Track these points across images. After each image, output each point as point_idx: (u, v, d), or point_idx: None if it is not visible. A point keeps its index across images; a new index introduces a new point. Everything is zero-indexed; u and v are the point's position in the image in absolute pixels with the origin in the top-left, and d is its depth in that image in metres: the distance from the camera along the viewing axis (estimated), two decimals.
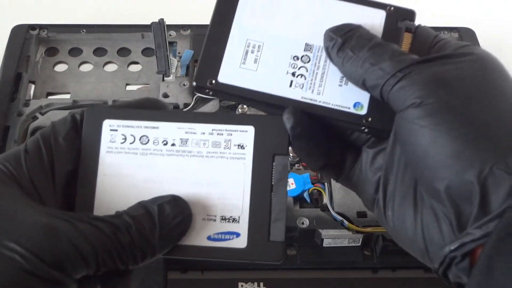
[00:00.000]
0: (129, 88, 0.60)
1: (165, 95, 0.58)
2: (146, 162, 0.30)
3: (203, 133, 0.30)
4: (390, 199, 0.30)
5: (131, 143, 0.31)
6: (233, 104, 0.58)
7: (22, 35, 0.62)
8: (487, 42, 0.65)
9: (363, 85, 0.30)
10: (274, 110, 0.31)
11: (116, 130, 0.31)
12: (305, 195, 0.51)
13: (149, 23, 0.56)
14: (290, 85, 0.30)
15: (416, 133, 0.28)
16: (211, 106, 0.58)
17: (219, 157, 0.30)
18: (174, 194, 0.29)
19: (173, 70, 0.59)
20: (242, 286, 0.48)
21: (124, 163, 0.30)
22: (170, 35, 0.62)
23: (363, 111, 0.30)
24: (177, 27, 0.63)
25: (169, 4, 0.74)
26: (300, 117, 0.30)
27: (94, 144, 0.30)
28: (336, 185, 0.51)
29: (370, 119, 0.30)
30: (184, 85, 0.59)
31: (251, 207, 0.29)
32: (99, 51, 0.63)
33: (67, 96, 0.59)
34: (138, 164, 0.30)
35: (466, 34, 0.65)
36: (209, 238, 0.29)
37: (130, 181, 0.30)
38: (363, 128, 0.31)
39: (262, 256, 0.29)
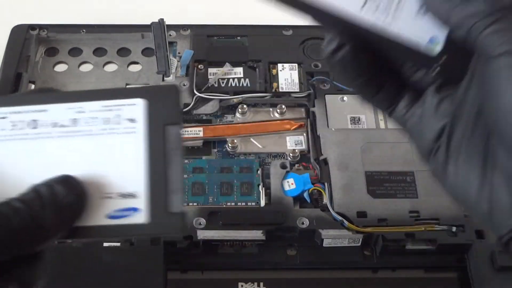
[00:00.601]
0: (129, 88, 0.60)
1: None
2: (38, 147, 0.29)
3: (92, 111, 0.29)
4: (454, 151, 0.27)
5: (20, 129, 0.29)
6: (233, 104, 0.58)
7: (22, 35, 0.62)
8: None
9: (447, 22, 0.26)
10: (333, 27, 0.27)
11: (5, 118, 0.30)
12: (305, 195, 0.51)
13: (149, 23, 0.56)
14: (364, 4, 0.27)
15: (506, 86, 0.24)
16: (211, 106, 0.58)
17: (110, 133, 0.29)
18: (66, 174, 0.28)
19: (173, 70, 0.59)
20: (242, 286, 0.48)
21: (15, 150, 0.29)
22: (170, 35, 0.62)
23: (438, 48, 0.27)
24: (177, 27, 0.63)
25: (169, 4, 0.74)
26: (348, 40, 0.27)
27: None
28: (336, 185, 0.51)
29: (445, 57, 0.27)
30: (184, 85, 0.59)
31: (148, 180, 0.28)
32: (99, 51, 0.63)
33: None
34: (29, 149, 0.29)
35: None
36: (109, 216, 0.28)
37: (24, 167, 0.29)
38: (435, 66, 0.27)
39: (164, 229, 0.28)
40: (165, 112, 0.29)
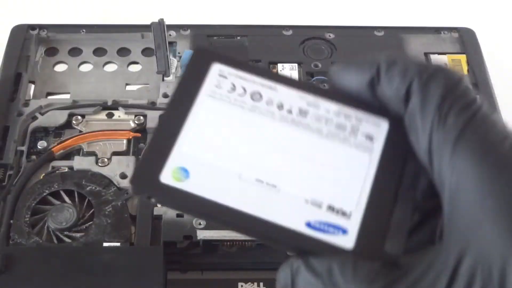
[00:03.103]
0: (129, 88, 0.60)
1: (165, 95, 0.58)
2: (253, 120, 0.26)
3: (328, 111, 0.26)
4: None
5: (239, 95, 0.26)
6: None
7: (22, 35, 0.62)
8: (487, 42, 0.65)
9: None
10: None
11: (226, 78, 0.26)
12: None
13: (149, 23, 0.56)
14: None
15: None
16: None
17: (341, 140, 0.26)
18: None
19: (173, 70, 0.59)
20: (242, 286, 0.48)
21: (225, 113, 0.26)
22: (170, 35, 0.62)
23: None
24: (177, 27, 0.63)
25: (169, 4, 0.74)
26: None
27: (194, 85, 0.26)
28: None
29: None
30: None
31: (368, 207, 0.24)
32: (99, 51, 0.63)
33: (67, 96, 0.59)
34: (242, 119, 0.26)
35: (466, 34, 0.65)
36: (308, 224, 0.24)
37: (227, 134, 0.25)
38: None
39: (367, 256, 0.24)
40: (409, 144, 0.25)
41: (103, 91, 0.59)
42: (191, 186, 0.24)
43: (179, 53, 0.62)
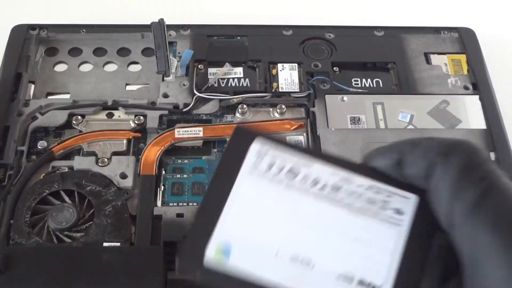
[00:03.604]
0: (129, 88, 0.60)
1: (165, 95, 0.58)
2: (289, 196, 0.27)
3: (360, 186, 0.27)
4: None
5: (277, 172, 0.28)
6: (233, 104, 0.58)
7: (22, 35, 0.62)
8: (487, 42, 0.65)
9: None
10: None
11: (264, 155, 0.28)
12: None
13: (149, 23, 0.56)
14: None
15: None
16: (211, 106, 0.58)
17: (371, 215, 0.27)
18: None
19: (173, 70, 0.59)
20: None
21: (263, 189, 0.27)
22: (170, 35, 0.62)
23: None
24: (177, 27, 0.63)
25: (169, 4, 0.74)
26: None
27: (235, 162, 0.28)
28: None
29: None
30: (184, 85, 0.59)
31: (397, 281, 0.26)
32: (99, 51, 0.63)
33: (67, 96, 0.59)
34: (279, 195, 0.27)
35: (466, 34, 0.65)
36: None
37: (265, 211, 0.27)
38: None
39: None
40: (433, 218, 0.26)
41: (103, 91, 0.59)
42: (232, 264, 0.25)
43: (179, 53, 0.62)
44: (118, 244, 0.47)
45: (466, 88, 0.60)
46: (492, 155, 0.54)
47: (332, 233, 0.27)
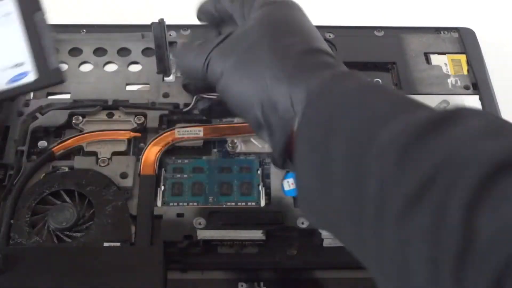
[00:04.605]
0: (129, 88, 0.60)
1: (165, 95, 0.58)
2: None
3: None
4: None
5: None
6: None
7: None
8: (487, 42, 0.65)
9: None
10: None
11: None
12: None
13: (149, 23, 0.56)
14: None
15: None
16: None
17: None
18: None
19: (173, 70, 0.59)
20: (242, 286, 0.48)
21: None
22: (170, 35, 0.62)
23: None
24: (177, 27, 0.63)
25: (169, 4, 0.74)
26: None
27: None
28: None
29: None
30: None
31: (30, 51, 0.41)
32: (99, 51, 0.63)
33: (67, 96, 0.59)
34: None
35: (466, 34, 0.65)
36: (7, 83, 0.40)
37: None
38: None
39: (50, 80, 0.42)
40: (29, 3, 0.41)
41: (103, 91, 0.59)
42: None
43: None
44: (118, 244, 0.47)
45: (466, 88, 0.60)
46: None
47: None
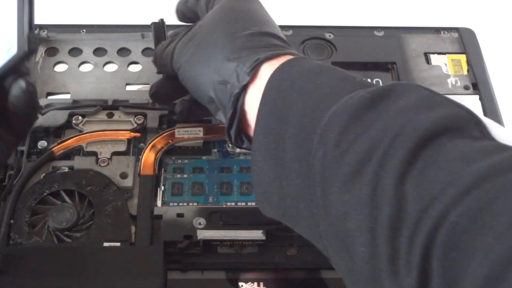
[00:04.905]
0: (129, 88, 0.60)
1: None
2: None
3: None
4: None
5: None
6: None
7: None
8: (487, 42, 0.65)
9: None
10: None
11: None
12: None
13: (149, 23, 0.56)
14: None
15: None
16: None
17: None
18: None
19: None
20: (242, 286, 0.48)
21: None
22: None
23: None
24: (177, 27, 0.63)
25: (169, 4, 0.74)
26: None
27: None
28: None
29: None
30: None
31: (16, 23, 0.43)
32: (99, 51, 0.63)
33: (67, 96, 0.59)
34: None
35: (466, 34, 0.65)
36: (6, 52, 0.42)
37: None
38: None
39: (24, 49, 0.42)
40: None
41: (103, 91, 0.59)
42: None
43: None
44: (118, 244, 0.47)
45: (466, 88, 0.60)
46: None
47: None
